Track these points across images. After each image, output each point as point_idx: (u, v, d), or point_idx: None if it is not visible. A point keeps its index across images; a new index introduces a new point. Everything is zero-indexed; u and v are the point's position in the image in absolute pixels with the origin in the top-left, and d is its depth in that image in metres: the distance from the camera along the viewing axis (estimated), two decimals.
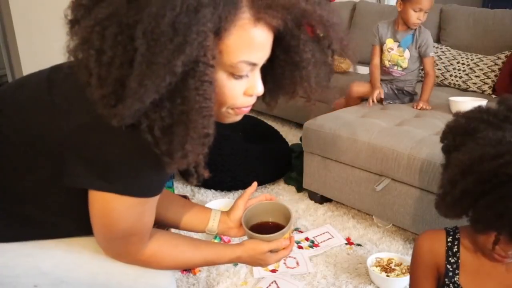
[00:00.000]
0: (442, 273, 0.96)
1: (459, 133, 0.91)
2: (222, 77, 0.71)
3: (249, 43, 0.69)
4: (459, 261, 0.94)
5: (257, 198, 1.07)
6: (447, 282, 0.94)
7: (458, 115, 0.96)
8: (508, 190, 0.74)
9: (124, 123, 0.65)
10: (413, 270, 1.02)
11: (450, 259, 0.95)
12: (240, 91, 0.75)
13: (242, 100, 0.76)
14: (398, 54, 2.23)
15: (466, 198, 0.80)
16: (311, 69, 0.78)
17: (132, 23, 0.61)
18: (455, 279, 0.93)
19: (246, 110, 0.79)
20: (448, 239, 0.96)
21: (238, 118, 0.81)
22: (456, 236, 0.96)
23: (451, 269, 0.94)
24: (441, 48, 2.75)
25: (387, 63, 2.27)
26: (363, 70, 3.06)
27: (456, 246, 0.95)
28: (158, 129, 0.66)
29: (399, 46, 2.22)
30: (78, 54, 0.68)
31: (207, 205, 1.95)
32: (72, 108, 0.73)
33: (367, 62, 3.14)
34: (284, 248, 0.98)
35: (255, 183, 1.09)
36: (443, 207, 0.88)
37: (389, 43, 2.25)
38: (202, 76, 0.64)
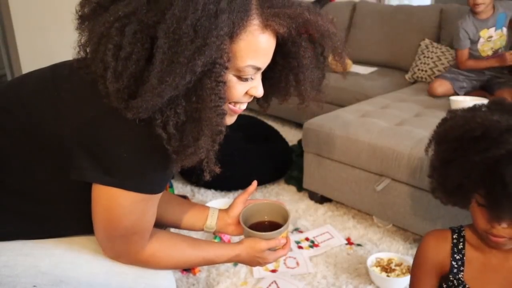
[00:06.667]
0: (446, 270, 0.97)
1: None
2: (231, 79, 0.75)
3: (256, 48, 0.73)
4: (464, 258, 0.96)
5: (256, 200, 1.08)
6: (451, 278, 0.95)
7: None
8: (472, 152, 0.84)
9: (140, 116, 0.67)
10: (416, 268, 1.03)
11: (455, 255, 0.96)
12: (243, 93, 0.79)
13: (242, 100, 0.80)
14: (499, 36, 2.27)
15: (444, 167, 0.92)
16: (307, 73, 0.84)
17: (152, 23, 0.65)
18: (460, 275, 0.95)
19: (239, 111, 0.83)
20: (454, 236, 0.98)
21: (233, 119, 0.84)
22: (462, 234, 0.98)
23: (456, 265, 0.96)
24: (440, 48, 2.74)
25: (490, 52, 2.30)
26: (364, 70, 3.06)
27: (461, 243, 0.97)
28: (172, 126, 0.69)
29: (496, 29, 2.26)
30: (91, 48, 0.70)
31: (206, 205, 1.95)
32: (80, 103, 0.74)
33: (367, 62, 3.16)
34: (282, 247, 0.98)
35: (255, 182, 1.10)
36: (436, 185, 0.97)
37: (485, 33, 2.27)
38: (218, 76, 0.68)
